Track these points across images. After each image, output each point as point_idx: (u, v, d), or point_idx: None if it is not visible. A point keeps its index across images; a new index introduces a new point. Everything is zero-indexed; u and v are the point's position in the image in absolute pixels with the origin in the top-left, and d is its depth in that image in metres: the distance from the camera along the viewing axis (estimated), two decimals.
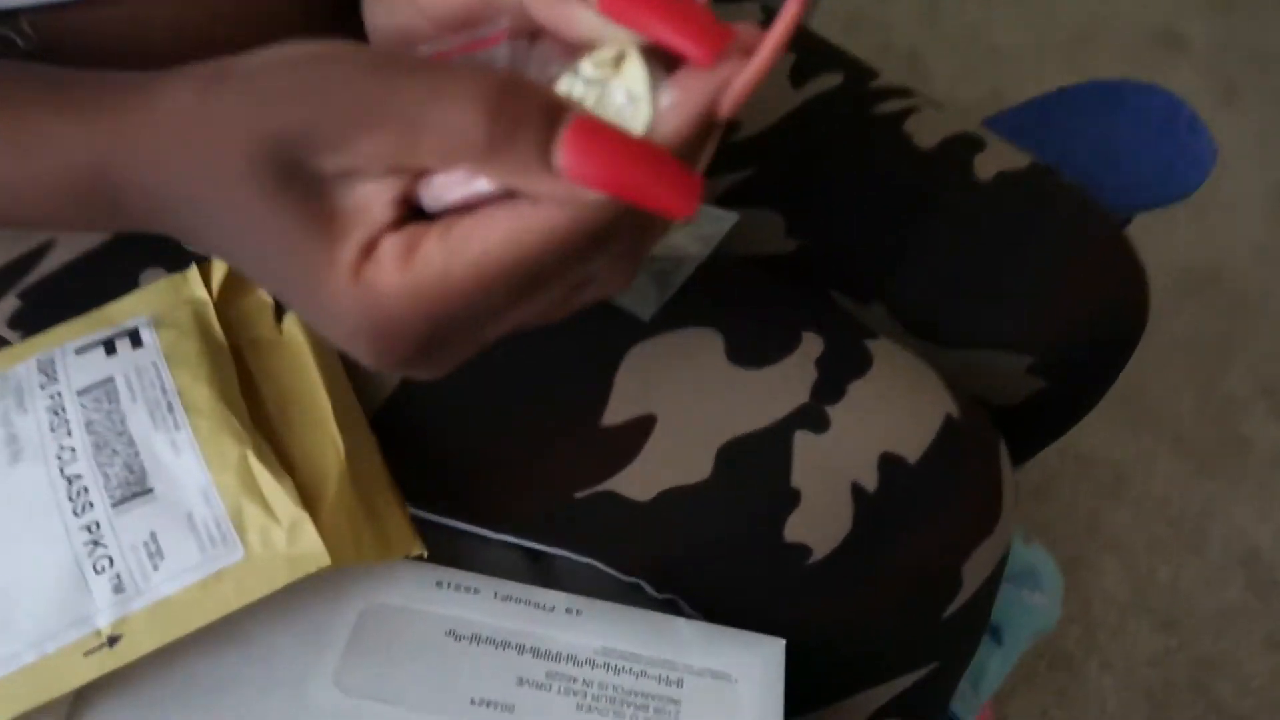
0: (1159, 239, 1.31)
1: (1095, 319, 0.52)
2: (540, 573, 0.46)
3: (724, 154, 0.54)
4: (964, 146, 0.53)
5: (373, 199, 0.23)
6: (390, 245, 0.23)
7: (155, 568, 0.35)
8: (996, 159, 0.53)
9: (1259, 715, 0.96)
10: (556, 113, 0.22)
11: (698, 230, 0.46)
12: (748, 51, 0.23)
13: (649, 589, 0.44)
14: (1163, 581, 1.04)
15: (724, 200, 0.55)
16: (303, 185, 0.23)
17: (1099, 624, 1.00)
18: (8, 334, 0.44)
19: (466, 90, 0.22)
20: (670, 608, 0.45)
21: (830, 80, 0.55)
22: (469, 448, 0.43)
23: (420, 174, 0.23)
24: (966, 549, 0.41)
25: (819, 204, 0.53)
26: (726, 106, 0.24)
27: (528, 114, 0.22)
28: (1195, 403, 1.17)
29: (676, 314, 0.43)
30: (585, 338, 0.42)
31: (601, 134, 0.22)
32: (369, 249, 0.23)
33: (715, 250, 0.46)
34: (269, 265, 0.24)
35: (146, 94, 0.24)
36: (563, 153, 0.22)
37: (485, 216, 0.23)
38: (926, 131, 0.54)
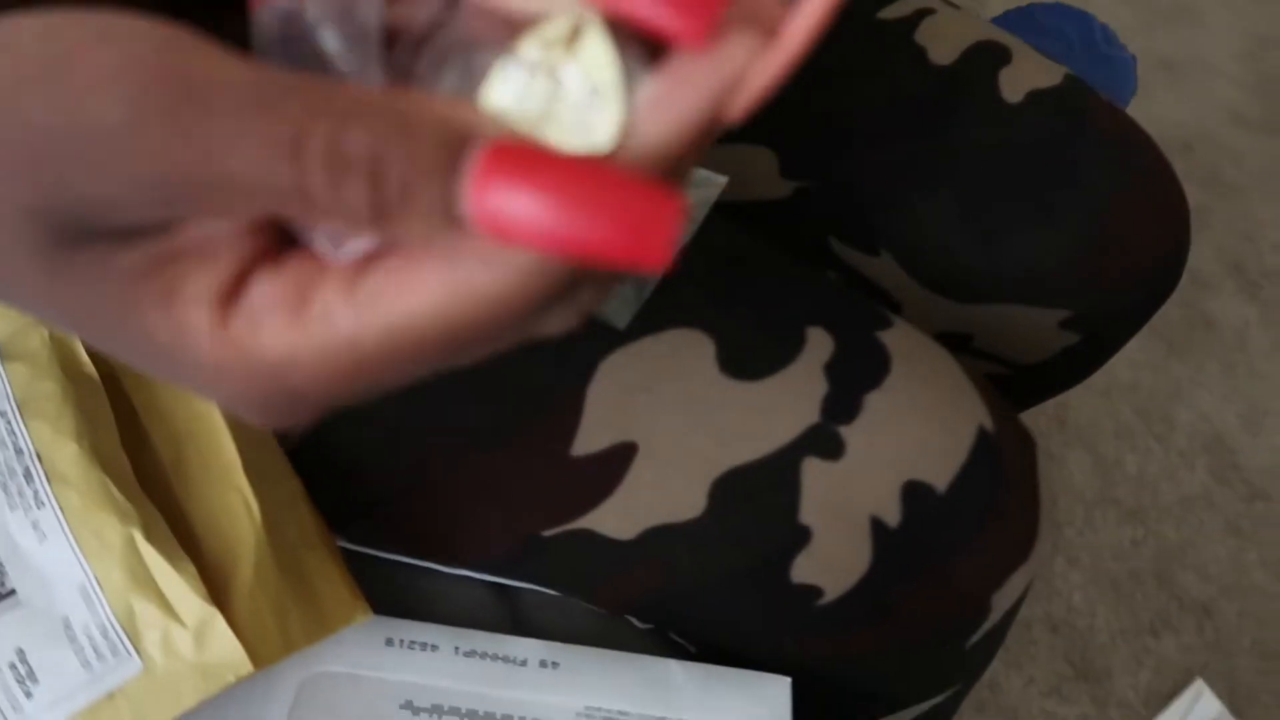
0: (1131, 105, 1.24)
1: (1140, 263, 0.45)
2: (506, 606, 0.40)
3: None
4: (988, 59, 0.45)
5: (214, 232, 0.16)
6: (270, 292, 0.16)
7: (28, 694, 0.28)
8: (1026, 74, 0.45)
9: (1218, 601, 0.97)
10: (456, 146, 0.14)
11: None
12: (766, 26, 0.15)
13: (634, 619, 0.39)
14: (1130, 471, 1.03)
15: None
16: (99, 243, 0.15)
17: (1066, 520, 0.99)
18: None
19: (308, 131, 0.14)
20: (658, 635, 0.40)
21: None
22: (412, 481, 0.36)
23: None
24: (999, 580, 0.36)
25: (818, 136, 0.45)
26: (740, 107, 0.16)
27: (421, 164, 0.14)
28: None
29: (656, 313, 0.35)
30: (547, 348, 0.35)
31: (530, 167, 0.14)
32: (230, 294, 0.16)
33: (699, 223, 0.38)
34: (98, 339, 0.17)
35: None
36: (471, 204, 0.14)
37: (404, 270, 0.15)
38: (944, 41, 0.45)
